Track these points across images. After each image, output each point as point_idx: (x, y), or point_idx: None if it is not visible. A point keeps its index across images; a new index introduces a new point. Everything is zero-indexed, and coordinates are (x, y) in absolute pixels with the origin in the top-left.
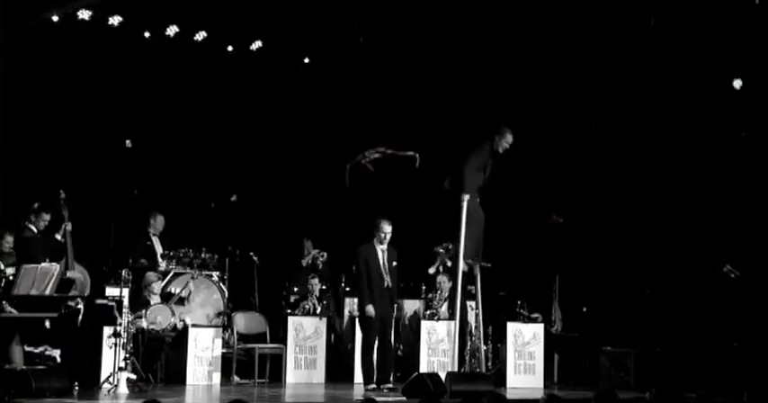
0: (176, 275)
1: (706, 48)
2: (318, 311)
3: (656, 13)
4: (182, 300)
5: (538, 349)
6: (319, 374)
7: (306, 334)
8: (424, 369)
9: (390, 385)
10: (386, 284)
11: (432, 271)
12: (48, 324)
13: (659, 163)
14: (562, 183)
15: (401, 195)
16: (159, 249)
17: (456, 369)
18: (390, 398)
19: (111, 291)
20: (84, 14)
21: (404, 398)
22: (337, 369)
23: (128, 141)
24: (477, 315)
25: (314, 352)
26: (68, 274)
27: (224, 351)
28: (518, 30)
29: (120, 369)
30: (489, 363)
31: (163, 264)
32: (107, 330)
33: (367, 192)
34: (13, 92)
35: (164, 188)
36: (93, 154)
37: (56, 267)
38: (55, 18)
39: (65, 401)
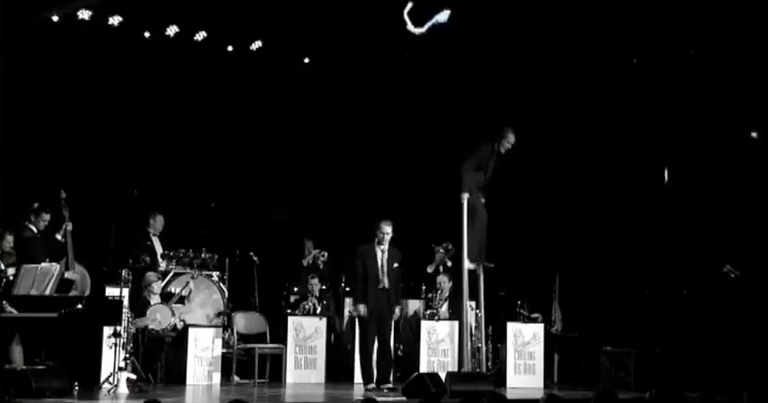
0: (176, 275)
1: (706, 48)
2: (318, 311)
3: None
4: (182, 300)
5: (538, 349)
6: (319, 374)
7: (306, 334)
8: (424, 369)
9: (390, 385)
10: (382, 285)
11: (430, 270)
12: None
13: (659, 163)
14: (562, 182)
15: (401, 194)
16: (159, 249)
17: (466, 368)
18: (390, 398)
19: (111, 291)
20: (84, 14)
21: (404, 398)
22: (337, 369)
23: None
24: (477, 315)
25: (314, 352)
26: (67, 275)
27: (224, 351)
28: (518, 29)
29: (120, 369)
30: (489, 363)
31: (163, 264)
32: (107, 330)
33: (367, 192)
34: (13, 92)
35: (164, 188)
36: (93, 154)
37: (56, 267)
38: (55, 18)
39: (65, 401)
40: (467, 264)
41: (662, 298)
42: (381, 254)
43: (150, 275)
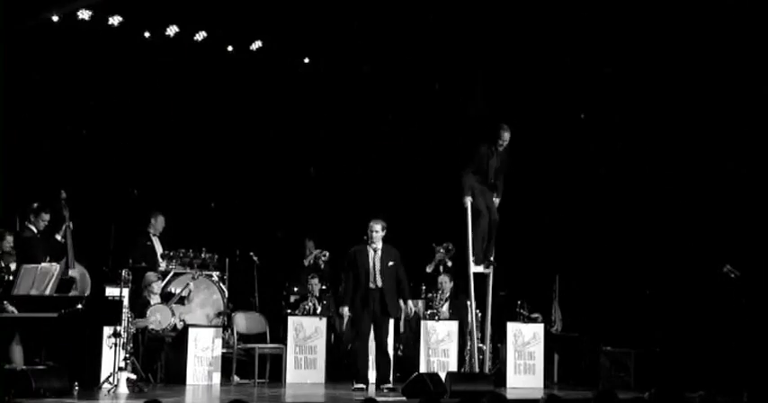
0: (176, 275)
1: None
2: (318, 311)
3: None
4: (182, 300)
5: (538, 349)
6: (319, 374)
7: (306, 334)
8: (423, 369)
9: (390, 385)
10: (373, 285)
11: (429, 269)
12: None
13: (659, 163)
14: (562, 182)
15: (401, 194)
16: (159, 249)
17: (472, 369)
18: (390, 398)
19: (111, 291)
20: (84, 14)
21: (404, 398)
22: (337, 369)
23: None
24: (477, 314)
25: (314, 352)
26: (70, 273)
27: (224, 351)
28: (518, 29)
29: (120, 369)
30: (489, 363)
31: (163, 264)
32: (107, 330)
33: (367, 192)
34: (13, 92)
35: (164, 188)
36: (93, 154)
37: (56, 267)
38: (55, 18)
39: (65, 401)
40: (473, 268)
41: (662, 298)
42: (374, 253)
43: (150, 275)
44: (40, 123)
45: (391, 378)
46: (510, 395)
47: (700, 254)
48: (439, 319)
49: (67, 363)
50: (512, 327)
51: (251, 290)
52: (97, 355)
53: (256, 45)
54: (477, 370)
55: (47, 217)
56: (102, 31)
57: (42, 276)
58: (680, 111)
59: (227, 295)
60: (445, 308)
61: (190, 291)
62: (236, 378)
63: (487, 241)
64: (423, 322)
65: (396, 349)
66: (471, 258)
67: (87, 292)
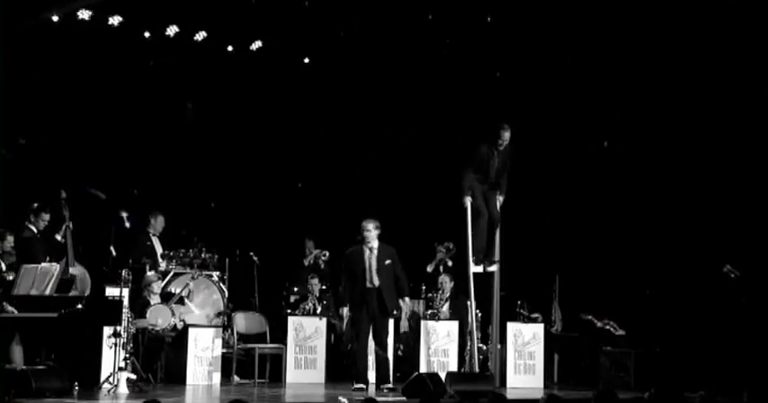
0: (176, 275)
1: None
2: (318, 311)
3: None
4: (182, 300)
5: (538, 349)
6: (319, 374)
7: (306, 334)
8: (423, 369)
9: (390, 385)
10: (370, 284)
11: (430, 269)
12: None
13: (659, 163)
14: (562, 183)
15: (401, 194)
16: (159, 249)
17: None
18: (390, 398)
19: (111, 291)
20: (84, 14)
21: (404, 398)
22: (337, 369)
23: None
24: (477, 314)
25: (314, 352)
26: (71, 271)
27: (224, 351)
28: (518, 28)
29: (120, 369)
30: (489, 363)
31: (163, 264)
32: (107, 330)
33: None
34: (13, 92)
35: (164, 188)
36: (93, 154)
37: (56, 267)
38: (55, 18)
39: (65, 401)
40: (473, 268)
41: (662, 298)
42: (369, 252)
43: (150, 275)
44: (40, 123)
45: (391, 378)
46: (510, 395)
47: (700, 254)
48: (439, 319)
49: (67, 363)
50: (512, 327)
51: (251, 290)
52: (97, 355)
53: (256, 45)
54: (477, 370)
55: (47, 217)
56: (102, 31)
57: (42, 276)
58: (680, 112)
59: (227, 295)
60: (446, 308)
61: (190, 291)
62: (236, 378)
63: (489, 241)
64: (423, 322)
65: (396, 349)
66: (471, 258)
67: (87, 292)
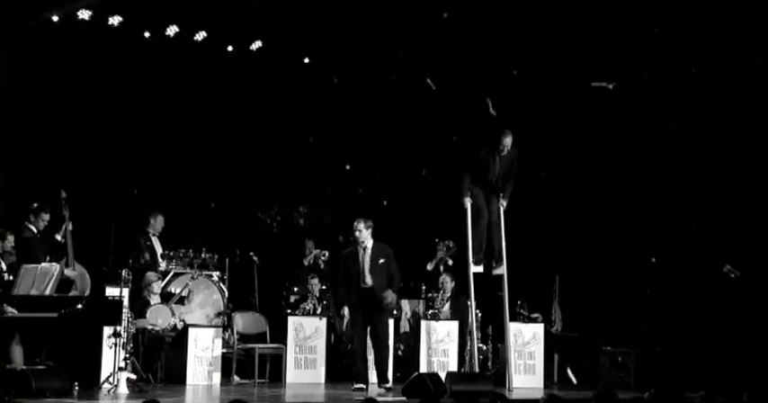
0: (176, 275)
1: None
2: (318, 311)
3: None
4: (182, 300)
5: (538, 349)
6: (319, 374)
7: (306, 334)
8: (423, 369)
9: (390, 385)
10: (364, 284)
11: (430, 267)
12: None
13: (659, 163)
14: (562, 183)
15: (401, 194)
16: (159, 249)
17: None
18: (390, 398)
19: (111, 291)
20: (84, 14)
21: (404, 398)
22: (337, 369)
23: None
24: (477, 314)
25: (314, 352)
26: (66, 272)
27: (224, 351)
28: (518, 29)
29: (120, 369)
30: (489, 363)
31: (163, 264)
32: (107, 330)
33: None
34: (13, 92)
35: (164, 188)
36: (93, 154)
37: (56, 267)
38: (55, 18)
39: (65, 401)
40: (472, 268)
41: (662, 298)
42: (363, 252)
43: (150, 275)
44: (40, 123)
45: (391, 378)
46: (510, 395)
47: (700, 254)
48: (439, 319)
49: (67, 363)
50: (512, 327)
51: (251, 290)
52: (97, 355)
53: (256, 45)
54: (477, 370)
55: (47, 217)
56: (102, 31)
57: (42, 276)
58: (680, 112)
59: (227, 295)
60: (446, 308)
61: (190, 291)
62: (236, 378)
63: (489, 242)
64: (423, 322)
65: (396, 349)
66: (471, 259)
67: (87, 292)
